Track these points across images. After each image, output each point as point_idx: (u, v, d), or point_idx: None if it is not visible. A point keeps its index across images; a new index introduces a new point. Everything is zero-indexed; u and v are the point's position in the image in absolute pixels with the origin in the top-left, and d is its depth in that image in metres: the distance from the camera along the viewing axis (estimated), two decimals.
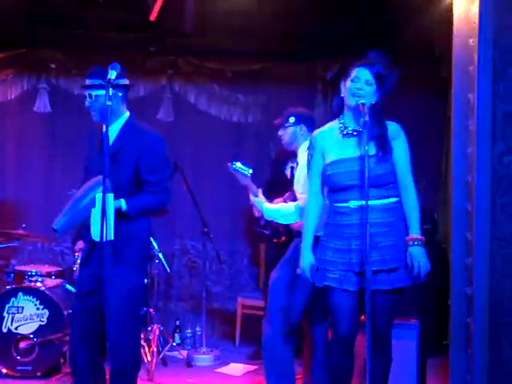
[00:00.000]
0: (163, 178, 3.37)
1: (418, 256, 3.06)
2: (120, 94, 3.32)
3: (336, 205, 3.12)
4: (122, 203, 3.22)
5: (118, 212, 3.19)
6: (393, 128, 3.16)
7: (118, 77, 3.18)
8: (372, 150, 3.07)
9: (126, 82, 3.35)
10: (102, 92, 3.23)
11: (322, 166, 3.15)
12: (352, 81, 3.09)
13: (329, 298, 3.14)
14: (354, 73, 3.10)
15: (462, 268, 3.74)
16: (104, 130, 3.27)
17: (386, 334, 3.19)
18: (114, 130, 3.38)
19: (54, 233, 3.17)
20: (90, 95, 3.34)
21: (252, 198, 3.96)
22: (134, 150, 3.27)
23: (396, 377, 3.83)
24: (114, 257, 3.18)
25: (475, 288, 3.61)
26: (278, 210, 3.90)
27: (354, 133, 3.12)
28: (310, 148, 3.21)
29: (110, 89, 3.00)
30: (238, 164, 3.95)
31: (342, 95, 3.16)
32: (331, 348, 3.24)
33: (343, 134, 3.14)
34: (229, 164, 3.98)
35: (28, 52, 5.60)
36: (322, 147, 3.15)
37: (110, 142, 3.36)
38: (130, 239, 3.28)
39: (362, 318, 3.25)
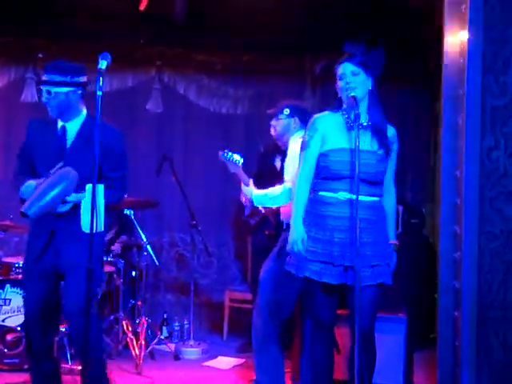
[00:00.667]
0: (124, 174, 3.43)
1: (393, 262, 3.21)
2: (79, 92, 3.31)
3: (322, 194, 3.11)
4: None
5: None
6: (392, 132, 3.22)
7: (77, 74, 3.25)
8: (375, 146, 3.11)
9: (84, 79, 3.32)
10: (62, 89, 3.26)
11: (319, 149, 3.13)
12: (340, 78, 3.12)
13: (309, 288, 3.18)
14: (340, 70, 3.13)
15: (451, 262, 3.76)
16: (62, 124, 3.36)
17: (370, 328, 3.20)
18: (73, 127, 3.38)
19: (22, 217, 3.16)
20: (49, 92, 3.30)
21: (243, 187, 3.96)
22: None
23: (383, 370, 3.84)
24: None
25: (463, 282, 3.63)
26: (265, 194, 3.92)
27: (360, 127, 3.12)
28: (311, 129, 3.17)
29: (68, 88, 3.21)
30: (228, 154, 3.96)
31: (339, 95, 3.17)
32: (312, 338, 3.28)
33: (348, 126, 3.13)
34: (220, 152, 3.98)
35: (15, 41, 5.54)
36: (324, 131, 3.14)
37: (72, 138, 3.37)
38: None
39: (344, 311, 3.26)
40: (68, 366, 4.25)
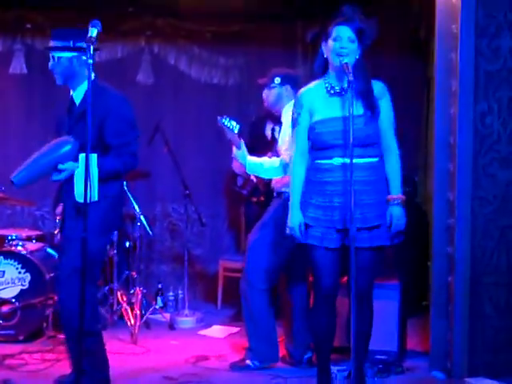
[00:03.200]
0: (128, 141, 3.29)
1: (397, 216, 3.10)
2: (84, 58, 3.24)
3: (319, 162, 3.11)
4: None
5: None
6: (378, 87, 3.15)
7: (81, 39, 3.17)
8: (360, 110, 3.06)
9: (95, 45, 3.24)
10: (65, 54, 3.26)
11: (309, 124, 3.12)
12: (334, 40, 3.05)
13: (310, 256, 3.16)
14: (335, 32, 3.06)
15: (444, 228, 3.78)
16: (72, 93, 3.38)
17: (368, 292, 3.22)
18: (79, 93, 3.36)
19: (11, 185, 3.16)
20: (53, 57, 3.30)
21: (235, 151, 3.94)
22: (98, 112, 3.12)
23: (377, 336, 3.86)
24: (78, 218, 3.15)
25: (457, 247, 3.66)
26: (261, 163, 3.88)
27: (342, 92, 3.09)
28: (297, 106, 3.17)
29: (72, 53, 3.21)
30: (225, 120, 3.94)
31: (325, 56, 3.12)
32: (314, 306, 3.28)
33: (330, 94, 3.11)
34: (218, 117, 3.95)
35: (2, 12, 5.45)
36: (310, 105, 3.12)
37: (77, 104, 3.37)
38: (95, 202, 3.16)
39: (344, 279, 3.27)
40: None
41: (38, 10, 5.48)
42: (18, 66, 5.64)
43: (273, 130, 4.81)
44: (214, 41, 5.87)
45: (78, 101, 3.38)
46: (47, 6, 5.39)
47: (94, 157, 3.05)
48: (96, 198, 3.06)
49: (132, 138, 3.31)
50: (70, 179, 3.21)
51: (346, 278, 3.24)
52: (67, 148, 3.16)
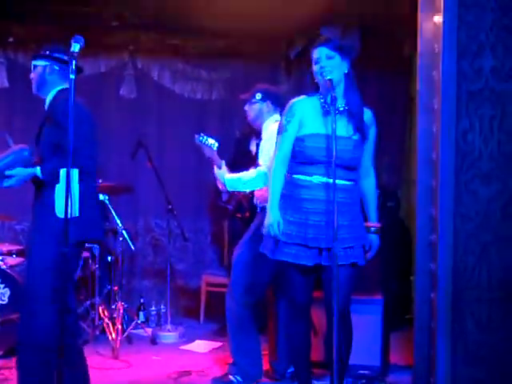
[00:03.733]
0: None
1: (377, 244, 3.29)
2: (57, 68, 3.29)
3: (297, 177, 3.13)
4: (37, 170, 3.17)
5: (35, 180, 3.18)
6: (369, 115, 3.22)
7: (57, 51, 3.26)
8: (350, 131, 3.11)
9: (64, 57, 3.26)
10: (40, 62, 3.30)
11: (296, 133, 3.13)
12: (316, 63, 3.12)
13: (284, 271, 3.21)
14: (315, 54, 3.13)
15: (426, 244, 3.79)
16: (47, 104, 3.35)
17: (345, 308, 3.23)
18: (47, 101, 3.39)
19: None
20: (32, 66, 3.37)
21: (216, 170, 3.98)
22: (51, 120, 3.21)
23: (360, 351, 3.89)
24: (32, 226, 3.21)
25: (439, 264, 3.67)
26: (239, 178, 3.93)
27: (336, 111, 3.12)
28: (288, 114, 3.17)
29: (46, 62, 3.25)
30: (203, 138, 3.99)
31: (316, 80, 3.16)
32: (289, 320, 3.31)
33: (324, 110, 3.13)
34: (196, 136, 3.99)
35: None
36: (301, 116, 3.14)
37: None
38: (43, 209, 3.19)
39: (319, 293, 3.28)
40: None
41: (21, 23, 5.46)
42: (0, 79, 5.61)
43: (257, 145, 4.83)
44: (197, 56, 5.89)
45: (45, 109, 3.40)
46: (30, 19, 5.37)
47: (75, 172, 3.04)
48: (77, 214, 3.05)
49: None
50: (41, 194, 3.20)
51: (319, 293, 3.25)
52: (17, 155, 3.17)
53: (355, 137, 3.12)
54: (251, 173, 3.89)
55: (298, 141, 3.12)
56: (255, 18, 5.42)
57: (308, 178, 3.09)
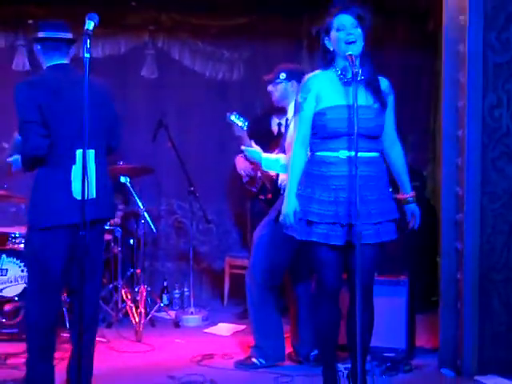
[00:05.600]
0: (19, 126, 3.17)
1: (418, 214, 3.16)
2: (39, 48, 3.20)
3: (323, 154, 3.02)
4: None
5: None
6: (386, 84, 3.11)
7: (40, 29, 3.16)
8: (370, 101, 3.01)
9: (41, 34, 3.18)
10: (35, 47, 3.22)
11: (314, 110, 3.03)
12: (338, 30, 2.99)
13: (314, 253, 3.07)
14: (337, 21, 2.99)
15: (452, 223, 3.72)
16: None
17: (370, 288, 3.14)
18: None
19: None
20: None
21: (246, 149, 3.91)
22: None
23: (385, 334, 3.85)
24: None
25: (465, 243, 3.59)
26: (277, 159, 3.85)
27: (349, 81, 3.03)
28: (304, 91, 3.06)
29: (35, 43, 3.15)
30: (234, 117, 3.93)
31: (332, 49, 3.05)
32: (317, 303, 3.20)
33: (343, 82, 3.03)
34: (228, 114, 3.94)
35: (3, 9, 5.38)
36: (318, 90, 3.03)
37: None
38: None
39: (345, 275, 3.20)
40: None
41: (39, 5, 5.42)
42: (21, 62, 5.59)
43: (279, 124, 4.76)
44: (218, 35, 5.79)
45: None
46: (48, 0, 5.33)
47: (91, 153, 2.99)
48: (94, 195, 3.00)
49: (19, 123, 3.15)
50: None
51: (345, 275, 3.16)
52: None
53: (375, 105, 3.02)
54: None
55: (319, 115, 3.01)
56: None
57: (334, 153, 2.99)
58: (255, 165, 4.05)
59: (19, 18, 5.52)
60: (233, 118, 3.92)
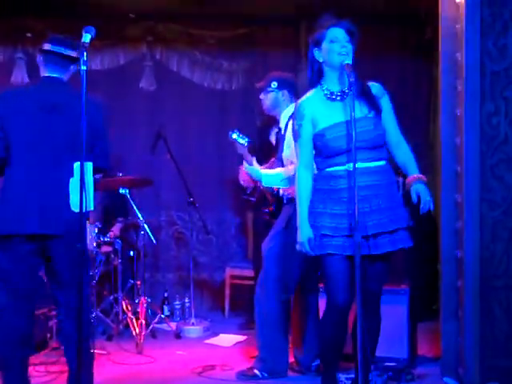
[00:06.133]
0: None
1: (426, 191, 3.03)
2: (40, 58, 3.23)
3: (331, 169, 3.01)
4: None
5: None
6: (376, 88, 3.10)
7: (47, 42, 3.19)
8: (365, 111, 3.00)
9: (43, 47, 3.21)
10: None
11: (312, 133, 3.04)
12: (331, 42, 3.00)
13: (327, 266, 3.03)
14: (330, 34, 3.00)
15: (452, 231, 3.71)
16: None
17: (379, 297, 3.16)
18: None
19: None
20: None
21: (246, 166, 3.90)
22: None
23: (386, 343, 3.80)
24: None
25: (466, 251, 3.58)
26: (278, 174, 3.83)
27: (338, 97, 3.03)
28: (298, 117, 3.08)
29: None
30: (235, 135, 3.91)
31: (321, 60, 3.06)
32: (325, 318, 3.16)
33: (331, 99, 3.04)
34: (230, 132, 3.93)
35: (2, 22, 5.41)
36: (312, 114, 3.04)
37: None
38: None
39: None
40: None
41: (37, 18, 5.44)
42: (20, 75, 5.62)
43: (276, 134, 4.75)
44: (216, 45, 5.82)
45: None
46: (47, 14, 5.36)
47: (89, 165, 2.99)
48: (91, 208, 2.99)
49: None
50: None
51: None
52: None
53: (370, 114, 3.02)
54: (290, 170, 3.76)
55: (318, 136, 3.02)
56: (273, 4, 5.36)
57: (342, 167, 2.98)
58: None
59: (18, 32, 5.54)
60: (234, 136, 3.91)
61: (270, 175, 3.86)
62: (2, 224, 3.08)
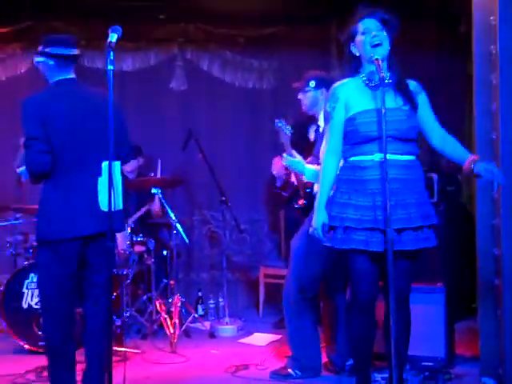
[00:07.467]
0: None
1: (491, 166, 2.90)
2: (51, 63, 3.23)
3: (358, 158, 2.97)
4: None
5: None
6: (413, 85, 3.07)
7: (51, 45, 3.21)
8: (400, 103, 2.97)
9: (55, 51, 3.22)
10: (38, 59, 3.26)
11: (344, 117, 3.01)
12: (363, 33, 2.97)
13: (352, 262, 3.01)
14: (361, 26, 2.98)
15: (489, 228, 3.63)
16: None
17: (406, 296, 3.09)
18: None
19: None
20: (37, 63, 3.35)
21: (287, 158, 3.87)
22: None
23: (423, 342, 3.77)
24: None
25: (503, 249, 3.50)
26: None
27: (375, 85, 2.99)
28: (332, 100, 3.05)
29: (40, 58, 3.20)
30: (281, 124, 3.92)
31: (357, 54, 3.02)
32: (351, 314, 3.14)
33: (368, 86, 3.00)
34: (276, 120, 3.93)
35: (35, 25, 5.48)
36: (346, 98, 3.01)
37: None
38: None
39: (381, 283, 3.13)
40: None
41: (70, 21, 5.48)
42: None
43: (316, 131, 4.71)
44: (246, 45, 5.81)
45: None
46: (79, 16, 5.40)
47: (117, 165, 2.99)
48: (120, 207, 3.00)
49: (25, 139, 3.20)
50: None
51: (381, 282, 3.09)
52: None
53: (405, 107, 2.98)
54: None
55: (349, 121, 2.98)
56: (304, 2, 5.33)
57: (369, 157, 2.93)
58: (295, 174, 4.01)
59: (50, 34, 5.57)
60: (280, 124, 3.91)
61: (314, 170, 3.79)
62: (57, 228, 3.13)
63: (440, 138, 3.08)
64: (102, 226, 3.06)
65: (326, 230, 2.98)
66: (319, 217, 2.99)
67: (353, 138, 2.99)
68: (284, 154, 3.91)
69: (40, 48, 3.27)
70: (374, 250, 2.90)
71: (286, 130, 3.89)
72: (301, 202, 4.02)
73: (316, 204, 3.03)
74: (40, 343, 4.37)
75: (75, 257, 3.18)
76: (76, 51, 3.28)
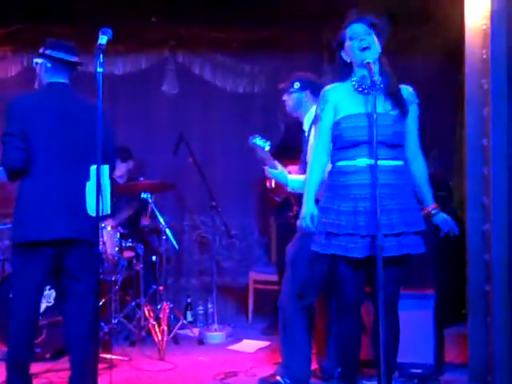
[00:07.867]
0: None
1: (448, 221, 3.10)
2: (49, 65, 3.24)
3: (342, 164, 2.97)
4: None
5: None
6: (408, 92, 3.05)
7: (51, 48, 3.23)
8: (388, 107, 2.95)
9: (55, 54, 3.23)
10: (37, 60, 3.28)
11: (333, 120, 3.00)
12: (351, 39, 2.96)
13: (335, 267, 3.02)
14: (349, 31, 2.98)
15: (480, 234, 3.62)
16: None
17: (395, 303, 3.06)
18: None
19: None
20: (35, 63, 3.36)
21: (269, 171, 3.84)
22: None
23: (413, 348, 3.74)
24: None
25: (493, 254, 3.48)
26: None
27: (365, 90, 2.98)
28: (322, 102, 3.05)
29: (39, 59, 3.22)
30: (256, 140, 3.83)
31: (348, 60, 3.01)
32: (337, 319, 3.13)
33: (358, 91, 2.99)
34: (250, 138, 3.86)
35: (26, 27, 5.44)
36: (336, 101, 3.00)
37: None
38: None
39: (368, 289, 3.11)
40: None
41: (62, 23, 5.44)
42: None
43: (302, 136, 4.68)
44: (238, 49, 5.79)
45: None
46: (70, 20, 5.36)
47: (105, 169, 2.97)
48: (108, 211, 2.97)
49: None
50: None
51: (369, 288, 3.07)
52: None
53: (393, 112, 2.96)
54: None
55: (336, 125, 2.98)
56: (297, 7, 5.30)
57: (352, 162, 2.93)
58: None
59: (41, 38, 5.54)
60: (255, 141, 3.85)
61: (296, 181, 3.77)
62: (28, 231, 3.10)
63: (413, 153, 3.06)
64: (78, 232, 3.07)
65: (314, 220, 2.95)
66: (308, 207, 2.98)
67: (338, 143, 3.00)
68: (266, 168, 3.87)
69: (41, 49, 3.27)
70: (353, 255, 2.89)
71: (263, 145, 3.83)
72: (295, 208, 3.98)
73: (304, 196, 3.02)
74: None
75: (46, 260, 3.13)
76: (75, 58, 3.29)
